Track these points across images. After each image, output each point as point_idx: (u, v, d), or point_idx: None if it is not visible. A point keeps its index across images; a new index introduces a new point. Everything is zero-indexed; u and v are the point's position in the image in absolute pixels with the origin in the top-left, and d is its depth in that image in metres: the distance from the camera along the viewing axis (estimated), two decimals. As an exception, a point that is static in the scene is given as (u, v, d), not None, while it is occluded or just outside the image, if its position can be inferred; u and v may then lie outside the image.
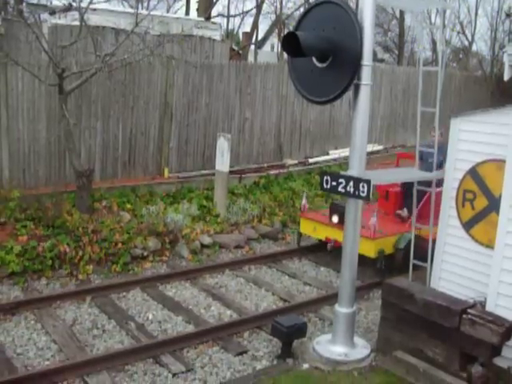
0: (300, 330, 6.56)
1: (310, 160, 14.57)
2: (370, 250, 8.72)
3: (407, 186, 9.16)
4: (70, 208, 9.74)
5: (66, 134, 9.77)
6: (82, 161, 10.29)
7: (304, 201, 9.89)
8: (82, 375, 6.04)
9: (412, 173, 7.40)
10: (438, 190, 8.08)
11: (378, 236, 8.74)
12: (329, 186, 6.13)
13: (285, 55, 30.71)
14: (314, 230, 9.65)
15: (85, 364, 6.15)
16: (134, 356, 6.41)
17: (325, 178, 6.15)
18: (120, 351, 6.46)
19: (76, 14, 11.01)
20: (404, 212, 9.65)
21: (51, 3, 12.78)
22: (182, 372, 6.23)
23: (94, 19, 11.74)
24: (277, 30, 33.86)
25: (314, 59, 5.96)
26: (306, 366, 6.38)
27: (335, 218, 9.20)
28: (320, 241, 9.72)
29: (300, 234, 10.00)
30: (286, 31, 32.35)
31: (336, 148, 15.47)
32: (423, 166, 7.50)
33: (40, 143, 10.71)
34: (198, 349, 6.73)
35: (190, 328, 7.16)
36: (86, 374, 6.04)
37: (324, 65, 5.93)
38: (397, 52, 37.06)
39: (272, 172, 13.20)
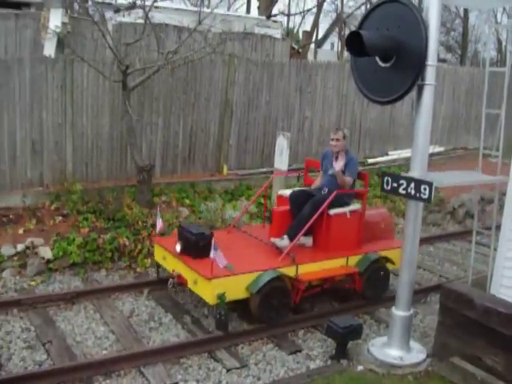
0: (355, 332, 6.51)
1: (369, 160, 14.41)
2: (205, 293, 6.74)
3: (298, 204, 7.70)
4: (130, 202, 9.92)
5: (129, 130, 9.95)
6: (143, 156, 10.46)
7: (159, 220, 7.66)
8: (138, 366, 6.15)
9: (476, 176, 7.20)
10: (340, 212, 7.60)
11: (218, 275, 6.60)
12: (389, 188, 6.05)
13: (345, 54, 30.53)
14: (163, 259, 7.68)
15: (141, 355, 6.27)
16: (189, 350, 6.50)
17: (385, 178, 6.07)
18: (176, 344, 6.56)
19: (139, 12, 11.22)
20: (304, 240, 7.69)
21: (116, 1, 13.05)
22: (236, 368, 6.27)
23: (157, 17, 11.94)
24: (337, 29, 33.70)
25: (377, 59, 5.90)
26: (360, 367, 6.33)
27: (178, 247, 7.27)
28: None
29: (158, 264, 7.98)
30: (346, 30, 32.16)
31: (395, 149, 15.26)
32: None
33: (103, 138, 10.95)
34: (253, 345, 6.77)
35: (245, 325, 7.20)
36: (143, 365, 6.15)
37: (387, 64, 5.85)
38: (459, 52, 36.32)
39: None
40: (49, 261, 8.53)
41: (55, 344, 6.51)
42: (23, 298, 7.51)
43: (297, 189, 8.31)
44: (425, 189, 5.72)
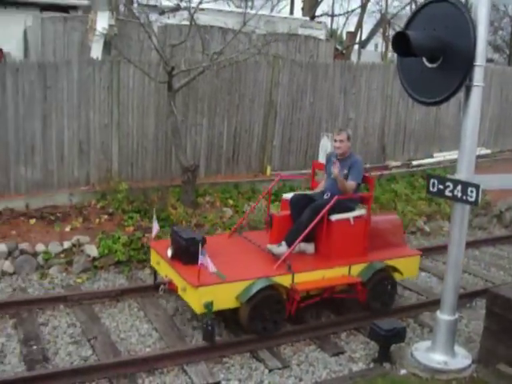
0: (399, 335, 6.43)
1: (414, 162, 14.25)
2: (193, 300, 6.47)
3: (298, 209, 7.36)
4: (174, 202, 10.02)
5: (174, 130, 10.05)
6: (188, 156, 10.55)
7: (155, 224, 7.40)
8: (181, 364, 6.21)
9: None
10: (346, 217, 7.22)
11: (205, 283, 6.30)
12: (435, 190, 5.97)
13: (389, 55, 30.24)
14: (157, 264, 7.39)
15: (184, 353, 6.33)
16: (231, 349, 6.53)
17: (431, 180, 5.99)
18: (218, 344, 6.57)
19: (184, 14, 11.33)
20: (305, 247, 7.37)
21: (161, 4, 13.21)
22: (279, 368, 6.27)
23: (202, 19, 12.02)
24: (381, 30, 33.38)
25: (423, 59, 5.83)
26: (403, 371, 6.25)
27: (169, 252, 6.97)
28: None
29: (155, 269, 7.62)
30: (390, 31, 31.83)
31: (440, 151, 15.04)
32: None
33: (148, 138, 11.09)
34: (295, 346, 6.77)
35: (288, 326, 7.19)
36: (185, 363, 6.20)
37: (434, 65, 5.77)
38: (508, 51, 35.58)
39: (374, 173, 13.01)
40: (94, 258, 8.69)
41: (100, 340, 6.62)
42: (69, 294, 7.67)
43: (298, 193, 8.03)
44: (472, 191, 5.62)
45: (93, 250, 8.77)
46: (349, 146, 7.41)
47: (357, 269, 7.25)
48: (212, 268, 6.17)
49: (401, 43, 5.49)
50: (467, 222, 6.16)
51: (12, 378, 5.77)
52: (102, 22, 12.85)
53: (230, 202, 10.79)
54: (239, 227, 8.34)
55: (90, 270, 8.58)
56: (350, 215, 7.26)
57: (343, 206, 7.22)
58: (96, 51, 12.70)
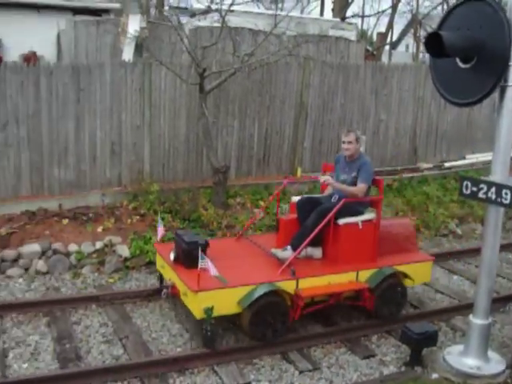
0: (431, 338, 6.37)
1: (446, 164, 14.09)
2: (193, 305, 6.36)
3: (304, 212, 7.16)
4: (205, 203, 10.07)
5: (205, 132, 10.09)
6: (219, 158, 10.58)
7: (160, 227, 7.34)
8: (211, 364, 6.24)
9: None
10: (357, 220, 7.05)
11: (205, 288, 6.17)
12: (468, 192, 5.90)
13: (420, 56, 29.94)
14: (162, 268, 7.32)
15: (215, 354, 6.35)
16: (262, 350, 6.54)
17: (465, 182, 5.92)
18: (249, 346, 6.59)
19: (215, 16, 11.38)
20: (312, 251, 7.20)
21: (191, 6, 13.29)
22: (309, 370, 6.26)
23: (233, 21, 12.07)
24: (412, 30, 33.06)
25: (457, 59, 5.77)
26: (435, 375, 6.19)
27: (172, 255, 6.90)
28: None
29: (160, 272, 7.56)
30: (421, 31, 31.51)
31: (473, 152, 14.85)
32: None
33: (179, 140, 11.16)
34: (326, 349, 6.74)
35: (319, 328, 7.17)
36: (216, 364, 6.23)
37: (467, 65, 5.71)
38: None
39: (405, 175, 12.92)
40: (126, 259, 8.79)
41: (131, 339, 6.68)
42: (101, 294, 7.76)
43: (305, 196, 7.81)
44: (506, 193, 5.54)
45: (124, 251, 8.86)
46: (357, 147, 7.15)
47: (365, 274, 7.01)
48: (213, 272, 6.05)
49: (434, 44, 5.43)
50: (501, 225, 6.08)
51: (46, 375, 5.87)
52: (134, 24, 12.99)
53: (261, 203, 10.79)
54: (247, 230, 8.29)
55: (122, 270, 8.67)
56: (358, 219, 7.06)
57: (351, 210, 7.01)
58: (128, 53, 12.83)
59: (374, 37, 32.48)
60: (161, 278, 7.47)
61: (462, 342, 6.51)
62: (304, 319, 6.95)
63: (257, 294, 6.28)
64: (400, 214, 11.00)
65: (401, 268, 7.24)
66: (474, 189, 5.84)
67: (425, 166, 13.79)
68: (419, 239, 10.52)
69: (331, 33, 16.16)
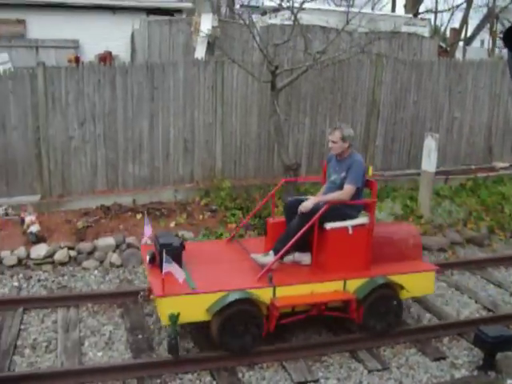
0: (506, 343, 6.18)
1: (522, 164, 13.66)
2: (160, 311, 6.02)
3: (291, 215, 6.70)
4: (276, 200, 10.11)
5: (276, 129, 10.13)
6: (290, 155, 10.60)
7: (147, 227, 6.83)
8: (280, 360, 6.29)
9: None
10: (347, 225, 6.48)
11: (170, 293, 5.82)
12: (547, 192, 5.70)
13: (496, 51, 29.04)
14: (146, 271, 7.07)
15: (284, 350, 6.41)
16: (331, 348, 6.54)
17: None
18: (318, 342, 6.62)
19: (286, 14, 11.41)
20: (300, 257, 6.75)
21: (262, 4, 13.39)
22: (378, 370, 6.21)
23: (305, 18, 12.07)
24: (488, 25, 32.08)
25: (537, 56, 5.58)
26: (509, 381, 6.02)
27: (148, 257, 6.51)
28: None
29: None
30: (498, 25, 30.55)
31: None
32: None
33: (251, 137, 11.26)
34: (395, 349, 6.68)
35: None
36: (285, 360, 6.28)
37: (548, 62, 5.52)
38: None
39: (480, 174, 12.59)
40: (197, 254, 8.92)
41: (201, 333, 6.79)
42: (173, 288, 7.91)
43: (294, 197, 7.34)
44: None
45: (196, 246, 9.01)
46: (344, 146, 6.65)
47: (354, 284, 6.44)
48: (179, 277, 5.70)
49: (513, 39, 5.27)
50: None
51: (120, 364, 6.08)
52: (206, 23, 13.18)
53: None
54: (238, 232, 8.10)
55: (193, 265, 8.81)
56: (348, 223, 6.50)
57: (339, 213, 6.51)
58: (200, 52, 13.04)
59: (448, 33, 31.72)
60: None
61: (539, 346, 6.32)
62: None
63: (225, 302, 5.89)
64: (474, 215, 10.71)
65: (395, 278, 6.61)
66: (554, 189, 5.64)
67: (500, 165, 13.38)
68: (493, 241, 10.27)
69: (404, 29, 15.94)
